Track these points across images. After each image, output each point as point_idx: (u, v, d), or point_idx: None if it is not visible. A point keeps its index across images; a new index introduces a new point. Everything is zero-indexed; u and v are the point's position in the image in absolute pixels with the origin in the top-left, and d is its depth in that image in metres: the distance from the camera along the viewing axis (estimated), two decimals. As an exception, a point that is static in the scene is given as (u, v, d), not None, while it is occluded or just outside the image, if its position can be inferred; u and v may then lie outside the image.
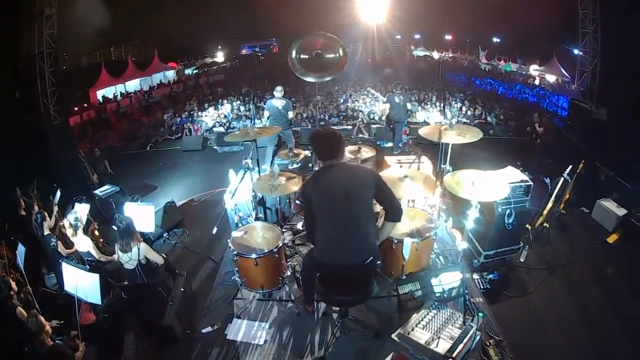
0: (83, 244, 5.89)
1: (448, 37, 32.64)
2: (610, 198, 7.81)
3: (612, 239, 7.16)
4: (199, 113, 17.25)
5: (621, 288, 5.94)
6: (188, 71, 28.42)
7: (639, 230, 7.06)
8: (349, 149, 7.13)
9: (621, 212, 7.39)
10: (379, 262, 4.08)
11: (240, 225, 5.67)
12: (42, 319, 4.47)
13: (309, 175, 6.23)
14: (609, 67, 10.40)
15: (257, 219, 5.72)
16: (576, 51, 12.09)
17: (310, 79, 6.34)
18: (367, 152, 7.04)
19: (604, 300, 5.69)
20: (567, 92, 17.18)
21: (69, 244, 5.97)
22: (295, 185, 5.41)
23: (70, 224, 5.99)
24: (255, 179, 5.82)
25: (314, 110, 13.94)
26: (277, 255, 5.03)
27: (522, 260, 6.41)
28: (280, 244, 5.02)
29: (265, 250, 4.95)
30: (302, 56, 5.82)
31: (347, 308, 4.65)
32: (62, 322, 5.19)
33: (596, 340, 5.02)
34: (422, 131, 5.59)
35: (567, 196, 7.32)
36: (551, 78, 22.15)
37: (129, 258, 5.12)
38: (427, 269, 5.29)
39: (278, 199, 6.31)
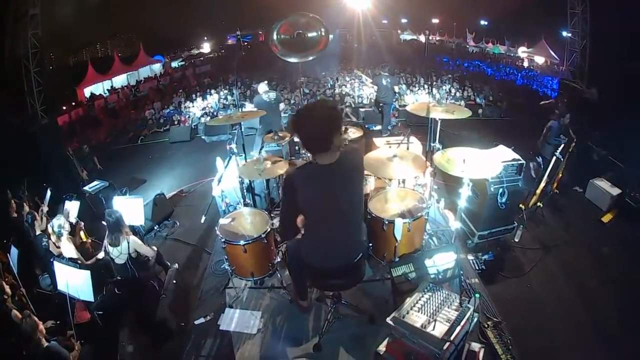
0: (67, 249, 5.83)
1: (435, 21, 32.47)
2: (604, 178, 7.79)
3: (606, 218, 7.18)
4: (186, 104, 17.15)
5: (617, 266, 5.94)
6: (175, 64, 28.33)
7: (634, 209, 7.08)
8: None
9: (615, 191, 7.39)
10: (370, 244, 3.98)
11: (228, 212, 5.56)
12: (36, 318, 4.39)
13: (296, 159, 6.12)
14: (599, 47, 10.38)
15: (245, 205, 5.62)
16: (565, 33, 12.03)
17: (293, 59, 6.24)
18: (354, 133, 6.92)
19: (600, 279, 5.69)
20: (557, 73, 17.16)
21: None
22: (281, 169, 5.29)
23: (53, 230, 5.93)
24: (242, 165, 5.71)
25: (299, 97, 13.82)
26: (266, 241, 4.91)
27: (516, 240, 6.41)
28: (269, 229, 4.90)
29: (254, 236, 4.83)
30: (283, 37, 5.71)
31: (340, 293, 4.57)
32: (58, 322, 5.12)
33: (594, 318, 5.01)
34: (411, 107, 5.52)
35: (560, 175, 7.30)
36: (540, 60, 22.16)
37: (119, 252, 5.05)
38: (420, 250, 5.22)
39: (265, 183, 6.21)
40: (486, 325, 4.62)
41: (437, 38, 33.71)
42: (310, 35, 5.65)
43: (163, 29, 25.15)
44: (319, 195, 3.33)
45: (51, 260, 5.46)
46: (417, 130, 5.97)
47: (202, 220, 6.02)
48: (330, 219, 3.45)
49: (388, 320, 3.66)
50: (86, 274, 4.91)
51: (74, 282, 4.94)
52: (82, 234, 6.55)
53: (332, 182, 3.30)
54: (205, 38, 30.47)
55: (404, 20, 35.01)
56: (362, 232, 3.77)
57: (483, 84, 18.69)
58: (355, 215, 3.62)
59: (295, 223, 3.62)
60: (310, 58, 5.87)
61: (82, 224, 6.63)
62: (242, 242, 4.79)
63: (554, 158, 7.17)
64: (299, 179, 3.39)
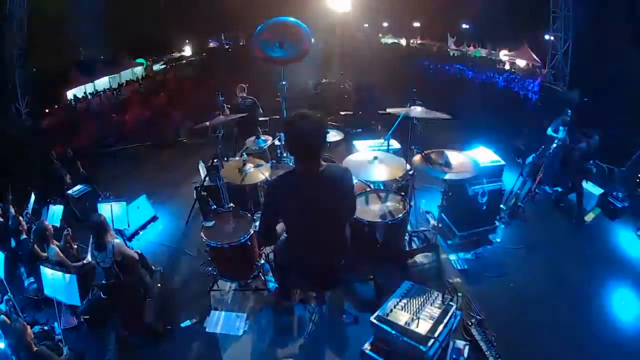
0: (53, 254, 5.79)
1: (416, 24, 32.52)
2: (586, 178, 7.86)
3: (589, 217, 7.24)
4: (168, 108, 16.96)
5: (600, 265, 5.99)
6: (156, 67, 28.17)
7: (616, 209, 7.16)
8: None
9: (597, 191, 7.46)
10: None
11: (210, 215, 5.57)
12: (24, 322, 4.37)
13: (274, 166, 6.11)
14: (580, 49, 10.51)
15: (228, 208, 5.64)
16: (547, 36, 12.20)
17: (275, 64, 6.23)
18: (334, 137, 7.00)
19: (583, 278, 5.74)
20: (538, 76, 17.34)
21: (45, 248, 5.84)
22: (264, 172, 5.26)
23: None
24: (224, 168, 5.72)
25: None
26: (250, 243, 4.95)
27: (498, 240, 6.44)
28: (252, 232, 4.93)
29: (237, 239, 4.84)
30: (266, 42, 5.71)
31: (324, 294, 4.62)
32: (45, 327, 5.10)
33: (578, 317, 5.07)
34: (390, 110, 5.58)
35: (540, 175, 7.38)
36: (522, 63, 22.35)
37: (104, 256, 5.02)
38: (402, 251, 5.29)
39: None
40: (470, 323, 4.69)
41: (419, 41, 33.78)
42: (292, 41, 5.66)
43: (145, 31, 24.95)
44: (302, 204, 3.32)
45: (38, 264, 5.42)
46: (396, 133, 6.00)
47: (186, 224, 6.01)
48: (312, 227, 3.43)
49: (372, 319, 3.72)
50: (72, 278, 4.88)
51: (60, 286, 4.91)
52: (70, 240, 6.50)
53: (315, 192, 3.27)
54: (187, 41, 30.28)
55: (385, 24, 35.02)
56: (344, 238, 3.77)
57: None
58: (337, 224, 3.62)
59: (275, 230, 3.61)
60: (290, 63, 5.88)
61: (69, 230, 6.57)
62: (225, 245, 4.81)
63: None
64: (282, 188, 3.38)
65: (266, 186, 3.75)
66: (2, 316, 4.45)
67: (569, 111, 7.29)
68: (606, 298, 5.37)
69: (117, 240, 5.14)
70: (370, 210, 4.97)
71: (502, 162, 6.00)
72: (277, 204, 3.39)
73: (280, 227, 3.65)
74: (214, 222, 5.21)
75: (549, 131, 7.47)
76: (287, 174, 3.44)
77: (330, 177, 3.33)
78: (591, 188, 7.54)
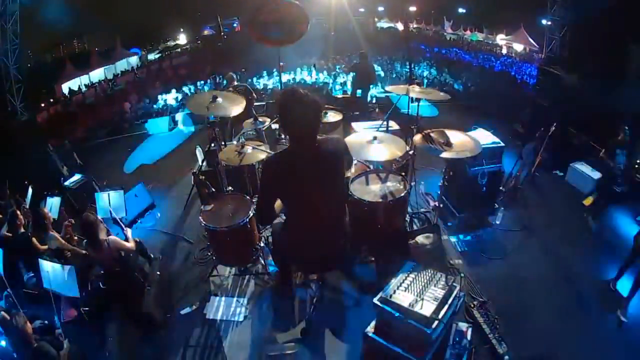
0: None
1: (412, 9, 32.35)
2: (585, 162, 7.86)
3: (587, 201, 7.16)
4: (164, 96, 16.98)
5: (599, 249, 5.99)
6: (151, 56, 28.06)
7: (615, 193, 7.12)
8: None
9: (596, 175, 7.42)
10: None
11: (209, 199, 5.51)
12: (24, 317, 4.33)
13: (275, 143, 6.07)
14: (579, 33, 10.42)
15: (227, 191, 5.59)
16: (544, 21, 12.10)
17: (269, 45, 6.16)
18: (333, 117, 6.96)
19: (582, 261, 5.74)
20: (535, 60, 17.29)
21: (44, 240, 5.79)
22: (262, 154, 5.26)
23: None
24: (222, 151, 5.64)
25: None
26: (249, 226, 4.90)
27: (498, 222, 6.44)
28: (251, 214, 4.87)
29: (236, 222, 4.79)
30: (262, 22, 5.63)
31: (325, 276, 4.59)
32: (46, 321, 5.06)
33: (577, 299, 5.07)
34: (390, 87, 5.52)
35: (539, 158, 7.36)
36: (519, 47, 22.31)
37: (100, 256, 4.94)
38: (402, 231, 5.25)
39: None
40: (472, 305, 4.68)
41: (415, 26, 33.64)
42: (289, 22, 5.59)
43: (139, 21, 24.82)
44: (299, 181, 3.29)
45: (36, 258, 5.38)
46: (395, 115, 5.96)
47: (183, 210, 5.96)
48: (311, 205, 3.42)
49: (375, 300, 3.67)
50: (70, 270, 4.84)
51: (58, 278, 4.87)
52: (70, 230, 6.46)
53: (312, 170, 3.26)
54: (182, 29, 30.11)
55: (380, 8, 34.81)
56: (343, 217, 3.77)
57: (462, 69, 18.88)
58: (336, 201, 3.61)
59: (273, 208, 3.57)
60: (288, 44, 5.82)
61: (71, 220, 6.52)
62: (224, 228, 4.76)
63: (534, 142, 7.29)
64: (279, 165, 3.36)
65: (262, 165, 3.68)
66: (2, 312, 4.41)
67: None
68: (606, 282, 5.34)
69: (112, 237, 5.05)
70: (370, 190, 4.91)
71: (502, 144, 5.96)
72: (273, 181, 3.36)
73: (278, 206, 3.61)
74: (212, 205, 5.14)
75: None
76: (284, 151, 3.42)
77: (326, 151, 3.33)
78: (590, 172, 7.54)
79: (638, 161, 6.38)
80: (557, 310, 4.88)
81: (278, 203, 3.58)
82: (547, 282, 5.33)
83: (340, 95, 13.39)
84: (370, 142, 4.79)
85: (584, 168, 7.69)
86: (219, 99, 5.01)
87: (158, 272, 5.55)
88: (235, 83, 8.88)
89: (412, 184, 5.58)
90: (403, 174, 5.33)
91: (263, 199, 3.54)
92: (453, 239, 6.02)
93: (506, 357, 4.15)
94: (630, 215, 6.71)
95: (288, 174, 3.28)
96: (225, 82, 6.49)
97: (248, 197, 5.25)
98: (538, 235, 6.28)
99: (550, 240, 6.16)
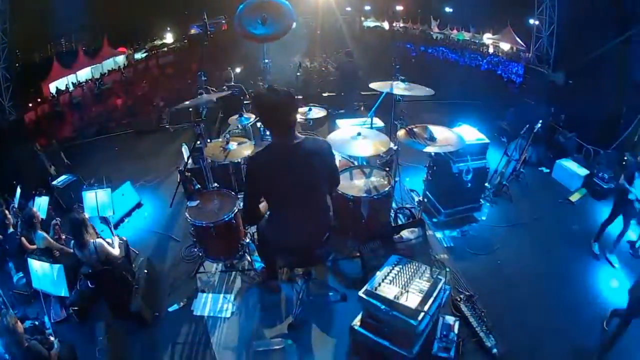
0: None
1: (399, 8, 32.36)
2: (571, 159, 7.95)
3: (574, 197, 7.29)
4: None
5: (584, 244, 6.03)
6: (138, 55, 27.98)
7: (602, 189, 7.22)
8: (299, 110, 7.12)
9: (583, 172, 7.51)
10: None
11: (195, 196, 5.53)
12: (15, 317, 4.32)
13: (258, 144, 6.09)
14: (565, 32, 10.49)
15: (213, 187, 5.61)
16: (532, 20, 12.18)
17: (254, 41, 6.14)
18: (317, 113, 7.01)
19: (568, 256, 5.81)
20: (522, 59, 17.36)
21: (32, 240, 5.77)
22: (247, 150, 5.30)
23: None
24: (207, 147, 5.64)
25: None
26: (235, 222, 4.91)
27: (484, 218, 6.50)
28: (236, 210, 4.90)
29: (222, 217, 4.82)
30: (247, 18, 5.62)
31: (311, 271, 4.61)
32: (36, 322, 5.04)
33: (563, 293, 5.12)
34: (374, 84, 5.55)
35: (525, 155, 7.41)
36: (506, 46, 22.39)
37: (86, 256, 4.94)
38: (387, 226, 5.28)
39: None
40: (458, 299, 4.73)
41: (401, 25, 33.64)
42: (275, 18, 5.57)
43: (126, 19, 24.69)
44: (282, 175, 3.34)
45: (25, 257, 5.36)
46: (380, 111, 6.00)
47: (170, 206, 5.96)
48: (294, 199, 3.47)
49: (360, 293, 3.70)
50: (59, 268, 4.82)
51: (47, 277, 4.85)
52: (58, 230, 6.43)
53: (294, 163, 3.32)
54: (168, 28, 29.97)
55: (367, 7, 34.79)
56: (327, 211, 3.79)
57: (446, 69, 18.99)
58: (319, 195, 3.64)
59: (259, 208, 3.65)
60: (273, 41, 5.79)
61: (58, 220, 6.49)
62: (210, 224, 4.78)
63: (519, 138, 7.35)
64: (261, 161, 3.41)
65: (246, 162, 3.71)
66: None
67: None
68: (591, 275, 5.45)
69: (99, 240, 5.03)
70: (354, 185, 4.98)
71: (487, 140, 6.00)
72: (257, 178, 3.42)
73: (263, 206, 3.68)
74: (198, 202, 5.16)
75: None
76: (265, 148, 3.46)
77: (308, 148, 3.38)
78: (577, 169, 7.61)
79: None
80: (543, 304, 4.93)
81: (264, 204, 3.66)
82: (533, 277, 5.38)
83: (327, 93, 13.42)
84: (354, 137, 4.82)
85: (570, 165, 7.76)
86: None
87: (145, 271, 5.54)
88: (231, 83, 8.85)
89: (397, 179, 5.62)
90: (387, 169, 5.37)
91: (249, 198, 3.60)
92: (439, 235, 6.06)
93: (494, 350, 4.18)
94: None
95: (269, 169, 3.34)
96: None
97: (233, 193, 5.27)
98: (524, 231, 6.34)
99: (536, 236, 6.21)
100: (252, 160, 3.47)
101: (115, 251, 5.20)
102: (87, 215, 5.38)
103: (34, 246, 5.67)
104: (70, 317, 5.14)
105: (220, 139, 5.82)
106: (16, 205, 6.75)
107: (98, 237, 5.13)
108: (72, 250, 5.44)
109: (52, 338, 4.49)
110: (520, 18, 16.12)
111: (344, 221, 4.95)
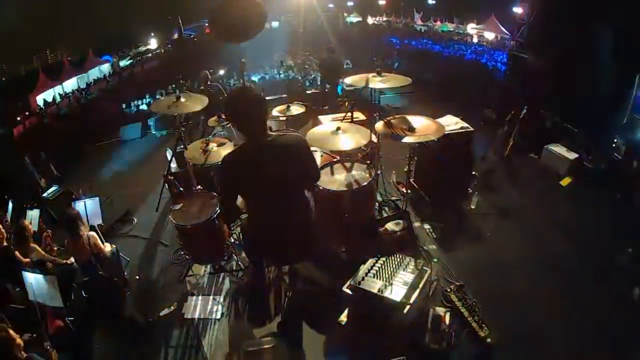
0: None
1: (382, 2, 32.33)
2: (560, 143, 7.91)
3: (565, 182, 7.25)
4: (137, 102, 17.04)
5: (578, 229, 6.01)
6: (123, 62, 27.90)
7: (592, 172, 7.21)
8: (278, 109, 7.20)
9: (572, 156, 7.45)
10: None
11: (178, 199, 5.54)
12: (12, 332, 4.31)
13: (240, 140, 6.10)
14: (547, 17, 10.50)
15: (196, 189, 5.62)
16: (515, 9, 12.23)
17: (232, 42, 6.13)
18: (297, 110, 7.06)
19: (559, 242, 5.77)
20: (507, 47, 17.39)
21: (25, 253, 5.76)
22: (227, 151, 5.23)
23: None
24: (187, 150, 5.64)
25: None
26: (217, 222, 4.93)
27: (473, 207, 6.46)
28: (218, 210, 4.87)
29: (205, 218, 4.84)
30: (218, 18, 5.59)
31: (297, 269, 4.62)
32: (34, 334, 5.04)
33: (557, 278, 5.08)
34: (349, 79, 5.55)
35: (512, 141, 7.41)
36: (490, 35, 22.40)
37: (79, 251, 4.97)
38: (372, 219, 5.28)
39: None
40: (449, 290, 4.70)
41: (384, 19, 33.62)
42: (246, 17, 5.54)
43: (109, 27, 24.72)
44: (255, 173, 3.34)
45: (21, 270, 5.36)
46: (362, 106, 6.01)
47: (156, 210, 5.97)
48: (269, 196, 3.47)
49: (344, 288, 3.71)
50: (52, 279, 4.83)
51: (42, 289, 4.85)
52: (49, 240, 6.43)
53: (266, 160, 3.31)
54: (152, 34, 29.93)
55: (350, 3, 34.73)
56: (306, 205, 3.81)
57: (430, 60, 19.16)
58: (295, 190, 3.66)
59: (236, 205, 3.64)
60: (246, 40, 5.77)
61: (49, 232, 6.49)
62: (193, 225, 4.81)
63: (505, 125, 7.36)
64: (233, 161, 3.41)
65: (219, 164, 3.73)
66: None
67: None
68: (585, 262, 5.36)
69: (92, 232, 5.16)
70: (336, 179, 4.96)
71: (471, 129, 6.00)
72: (230, 177, 3.46)
73: (241, 203, 3.68)
74: (181, 204, 5.18)
75: None
76: (238, 148, 3.51)
77: (282, 144, 3.39)
78: (565, 152, 7.57)
79: None
80: (536, 292, 4.89)
81: (240, 200, 3.65)
82: (525, 264, 5.34)
83: (311, 90, 13.46)
84: (334, 132, 4.81)
85: (559, 149, 7.70)
86: (182, 99, 5.13)
87: (137, 277, 5.55)
88: (209, 82, 8.91)
89: (378, 172, 5.61)
90: (368, 162, 5.36)
91: (224, 197, 3.69)
92: (426, 226, 6.03)
93: (488, 339, 4.15)
94: (607, 194, 6.74)
95: (241, 168, 3.37)
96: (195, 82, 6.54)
97: (215, 195, 5.27)
98: (514, 218, 6.30)
99: (527, 222, 6.18)
100: (225, 160, 3.44)
101: (106, 248, 5.32)
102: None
103: (27, 259, 5.66)
104: (66, 327, 5.14)
105: (200, 142, 5.83)
106: (9, 219, 6.73)
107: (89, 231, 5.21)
108: (64, 262, 5.49)
109: (50, 349, 4.51)
110: (505, 6, 16.12)
111: (327, 216, 4.92)
